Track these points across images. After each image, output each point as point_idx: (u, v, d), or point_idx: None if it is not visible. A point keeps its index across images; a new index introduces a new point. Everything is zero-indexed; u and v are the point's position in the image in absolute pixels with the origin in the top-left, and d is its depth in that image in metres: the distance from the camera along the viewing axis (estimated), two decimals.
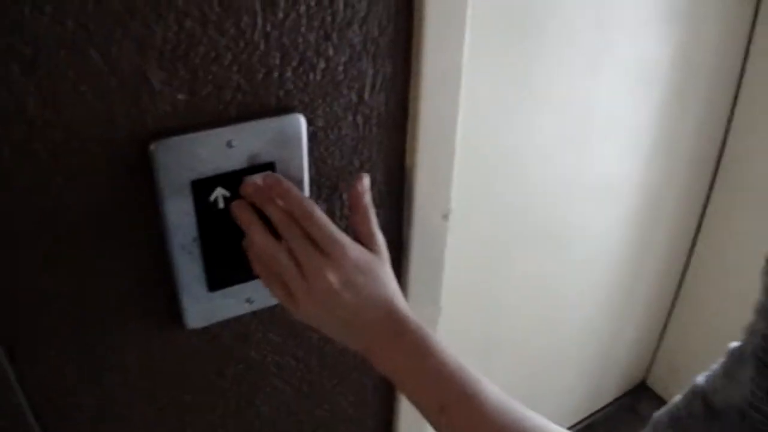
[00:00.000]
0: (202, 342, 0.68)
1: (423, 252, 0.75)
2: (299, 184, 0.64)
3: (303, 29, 0.59)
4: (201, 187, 0.60)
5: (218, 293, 0.65)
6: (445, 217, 0.74)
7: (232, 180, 0.61)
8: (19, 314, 0.58)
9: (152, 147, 0.56)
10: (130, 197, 0.58)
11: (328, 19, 0.59)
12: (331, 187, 0.67)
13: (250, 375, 0.73)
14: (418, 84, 0.65)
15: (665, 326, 1.84)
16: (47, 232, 0.56)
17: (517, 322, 1.41)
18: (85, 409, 0.66)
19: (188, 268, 0.63)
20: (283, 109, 0.61)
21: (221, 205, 0.61)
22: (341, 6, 0.59)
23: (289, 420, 0.78)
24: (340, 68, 0.62)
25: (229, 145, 0.59)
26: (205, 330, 0.68)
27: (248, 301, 0.67)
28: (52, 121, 0.53)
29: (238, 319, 0.69)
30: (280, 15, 0.57)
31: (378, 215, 0.71)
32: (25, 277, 0.57)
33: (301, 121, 0.62)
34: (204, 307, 0.65)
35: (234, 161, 0.60)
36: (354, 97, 0.64)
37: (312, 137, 0.64)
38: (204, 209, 0.61)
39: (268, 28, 0.57)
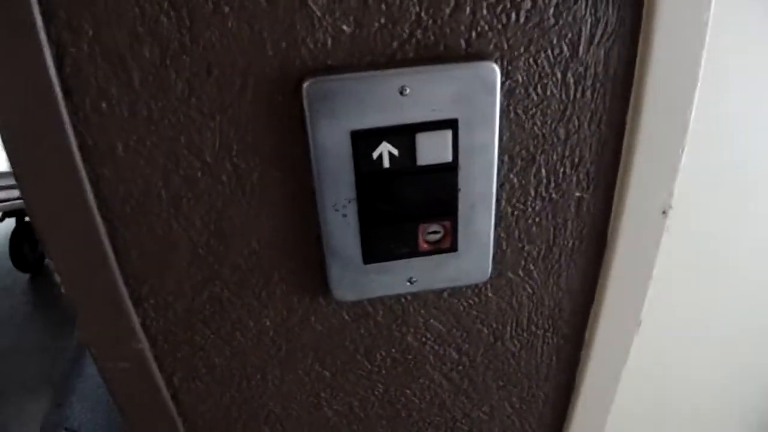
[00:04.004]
0: (351, 317, 0.59)
1: (632, 253, 0.59)
2: (487, 150, 0.51)
3: None
4: (363, 140, 0.49)
5: (374, 266, 0.55)
6: (665, 213, 0.57)
7: (402, 135, 0.49)
8: (145, 259, 0.52)
9: (306, 85, 0.46)
10: (277, 143, 0.49)
11: None
12: (527, 159, 0.53)
13: (404, 362, 0.63)
14: (649, 41, 0.48)
15: None
16: (179, 174, 0.49)
17: (725, 333, 1.18)
18: (215, 367, 0.59)
19: (340, 233, 0.53)
20: (474, 55, 0.48)
21: (386, 164, 0.50)
22: None
23: (441, 416, 0.67)
24: (550, 11, 0.47)
25: (401, 92, 0.48)
26: (356, 305, 0.58)
27: (410, 280, 0.56)
28: (188, 46, 0.44)
29: (396, 299, 0.58)
30: None
31: (581, 201, 0.56)
32: (157, 223, 0.50)
33: (496, 71, 0.48)
34: (356, 280, 0.55)
35: (406, 113, 0.48)
36: (566, 50, 0.49)
37: (508, 94, 0.50)
38: (365, 166, 0.50)
39: None
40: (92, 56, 0.44)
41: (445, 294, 0.59)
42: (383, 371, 0.63)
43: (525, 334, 0.63)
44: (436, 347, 0.62)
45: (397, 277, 0.56)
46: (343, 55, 0.46)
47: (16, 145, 0.45)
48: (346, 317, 0.59)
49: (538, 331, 0.63)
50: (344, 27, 0.45)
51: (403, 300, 0.59)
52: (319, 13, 0.45)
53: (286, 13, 0.44)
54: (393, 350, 0.62)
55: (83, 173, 0.47)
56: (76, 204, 0.48)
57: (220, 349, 0.58)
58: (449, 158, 0.50)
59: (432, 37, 0.47)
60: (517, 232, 0.57)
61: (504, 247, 0.57)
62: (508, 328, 0.62)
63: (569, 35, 0.48)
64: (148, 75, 0.45)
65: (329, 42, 0.46)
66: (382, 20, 0.46)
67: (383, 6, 0.45)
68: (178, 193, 0.50)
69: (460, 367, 0.64)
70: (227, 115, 0.47)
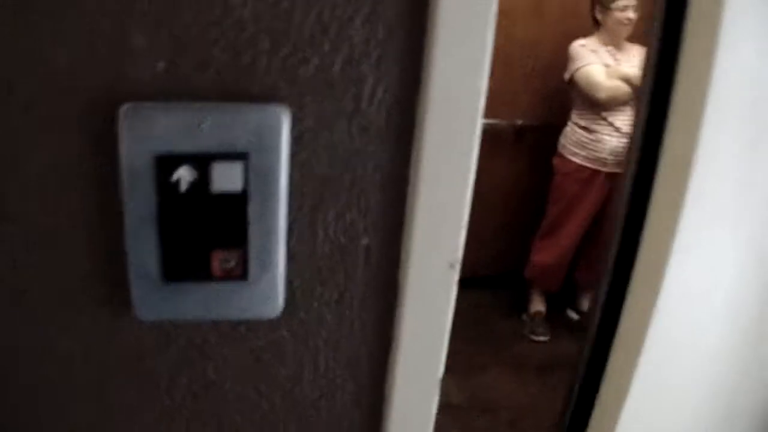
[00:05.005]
0: (153, 339, 0.63)
1: (423, 305, 0.65)
2: (275, 184, 0.59)
3: (297, 17, 0.55)
4: (164, 164, 0.57)
5: (174, 286, 0.61)
6: (452, 266, 0.64)
7: (200, 163, 0.57)
8: None
9: (122, 109, 0.55)
10: (92, 161, 0.57)
11: (326, 11, 0.56)
12: (316, 200, 0.61)
13: (206, 397, 0.66)
14: (426, 100, 0.59)
15: None
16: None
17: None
18: (22, 395, 0.63)
19: (142, 249, 0.59)
20: (267, 97, 0.57)
21: (183, 188, 0.58)
22: None
23: None
24: (336, 68, 0.57)
25: (200, 123, 0.56)
26: (159, 328, 0.63)
27: (206, 308, 0.62)
28: (32, 65, 0.53)
29: (196, 326, 0.64)
30: None
31: (369, 249, 0.63)
32: None
33: (284, 113, 0.57)
34: (156, 298, 0.61)
35: (204, 142, 0.57)
36: (349, 103, 0.59)
37: (298, 138, 0.59)
38: (165, 189, 0.57)
39: (259, 10, 0.55)
40: None
41: (243, 328, 0.64)
42: (185, 408, 0.66)
43: (324, 381, 0.67)
44: (237, 386, 0.66)
45: (195, 301, 0.61)
46: (156, 88, 0.56)
47: None
48: (150, 340, 0.63)
49: (337, 380, 0.68)
50: (159, 64, 0.55)
51: (203, 328, 0.64)
52: (138, 51, 0.54)
53: (113, 48, 0.54)
54: (195, 384, 0.65)
55: None
56: None
57: (33, 371, 0.62)
58: (240, 188, 0.58)
59: (232, 80, 0.56)
60: (308, 272, 0.63)
61: (296, 285, 0.63)
62: (306, 373, 0.67)
63: (353, 90, 0.58)
64: None
65: (145, 76, 0.55)
66: (191, 61, 0.55)
67: (194, 50, 0.55)
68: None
69: (260, 412, 0.68)
70: (54, 132, 0.55)
